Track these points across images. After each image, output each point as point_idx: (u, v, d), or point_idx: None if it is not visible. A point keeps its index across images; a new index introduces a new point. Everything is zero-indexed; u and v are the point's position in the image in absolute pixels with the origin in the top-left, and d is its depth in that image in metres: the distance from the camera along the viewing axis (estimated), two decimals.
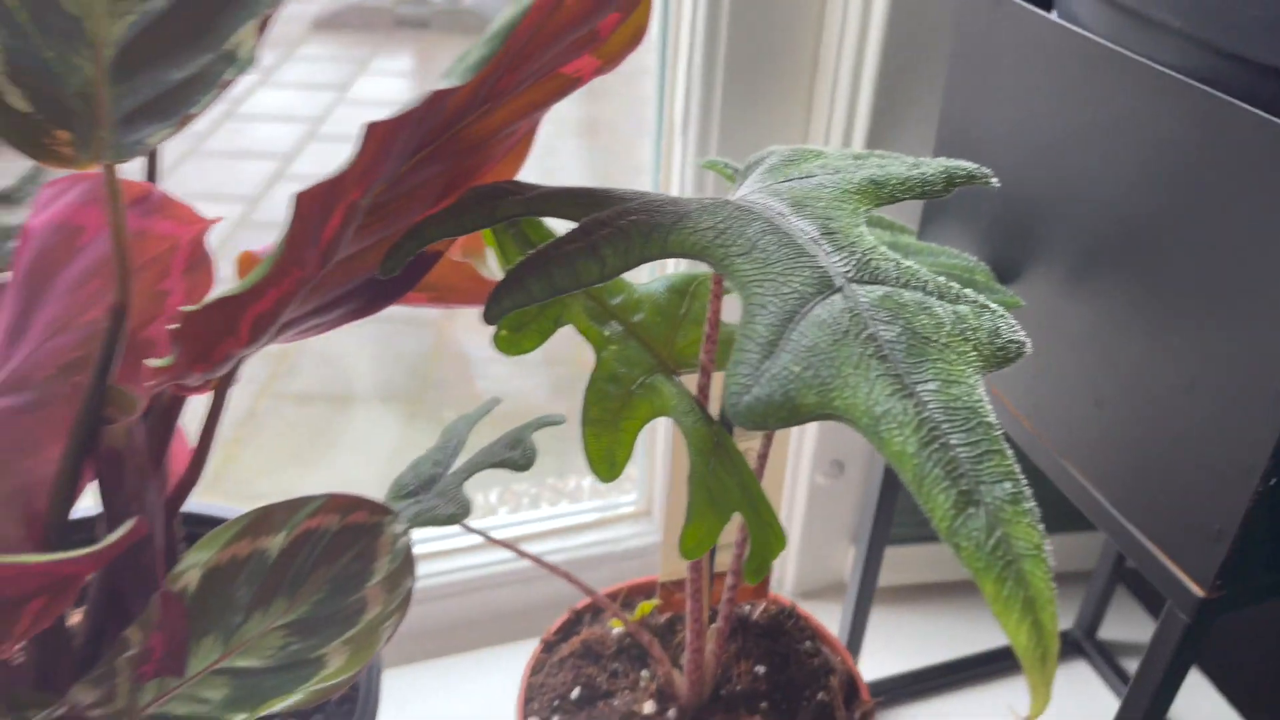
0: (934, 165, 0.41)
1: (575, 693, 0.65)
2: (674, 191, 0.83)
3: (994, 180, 0.40)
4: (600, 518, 0.97)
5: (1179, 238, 0.47)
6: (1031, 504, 0.29)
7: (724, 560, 0.67)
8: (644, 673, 0.67)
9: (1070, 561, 1.01)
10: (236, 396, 0.49)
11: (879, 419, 0.30)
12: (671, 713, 0.64)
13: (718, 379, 0.53)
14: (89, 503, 0.45)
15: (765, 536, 0.48)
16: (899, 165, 0.41)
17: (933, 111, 0.74)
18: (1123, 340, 0.51)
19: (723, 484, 0.47)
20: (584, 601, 0.72)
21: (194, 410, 0.47)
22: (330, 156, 1.91)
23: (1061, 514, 0.92)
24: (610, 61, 0.44)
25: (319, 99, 2.10)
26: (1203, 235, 0.46)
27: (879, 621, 0.96)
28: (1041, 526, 0.28)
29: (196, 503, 0.60)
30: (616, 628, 0.69)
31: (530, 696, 0.65)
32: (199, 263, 0.44)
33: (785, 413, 0.31)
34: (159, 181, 0.44)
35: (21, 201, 0.45)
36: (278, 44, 1.87)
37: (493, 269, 0.53)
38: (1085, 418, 0.54)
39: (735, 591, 0.62)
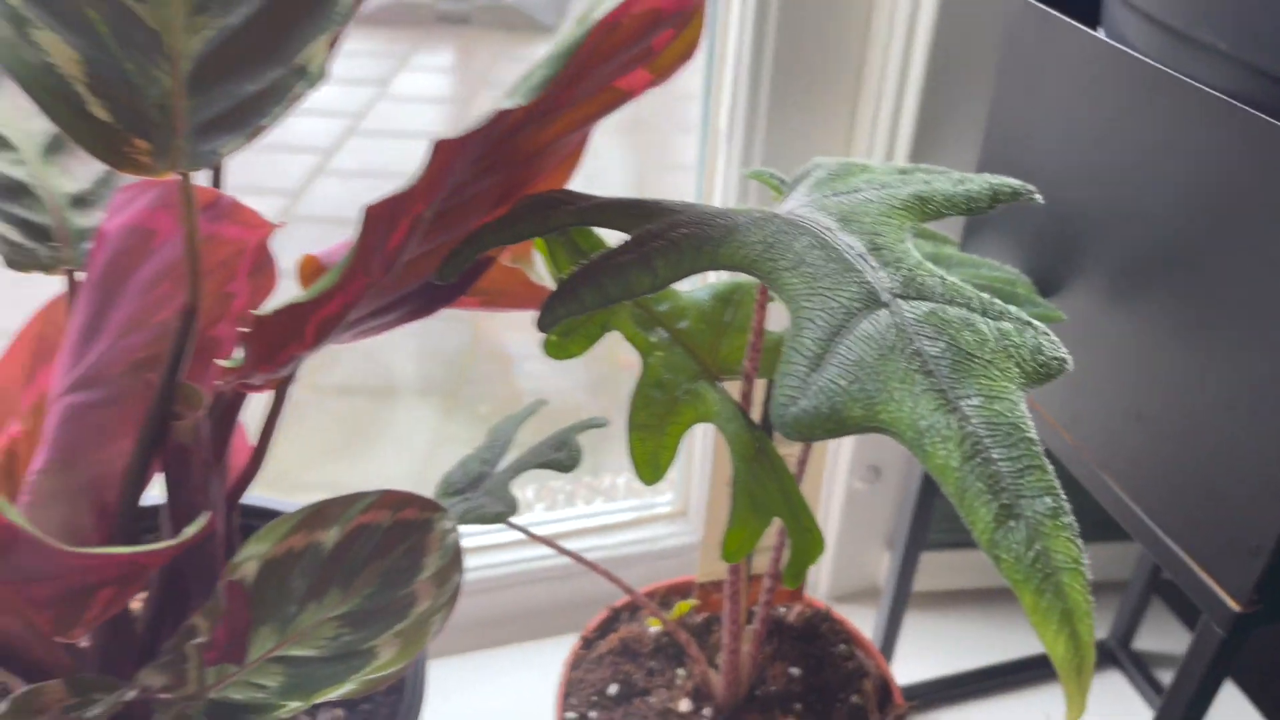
0: (979, 182, 0.41)
1: (613, 689, 0.67)
2: (717, 197, 0.84)
3: (1038, 197, 0.41)
4: (636, 517, 0.98)
5: (1223, 256, 0.47)
6: (1071, 518, 0.29)
7: (761, 563, 0.68)
8: (680, 671, 0.68)
9: (1105, 571, 1.01)
10: None
11: (923, 433, 0.31)
12: (707, 711, 0.65)
13: (760, 386, 0.54)
14: (151, 493, 0.47)
15: (804, 542, 0.49)
16: (944, 181, 0.42)
17: (976, 124, 0.74)
18: (1164, 355, 0.52)
19: (764, 489, 0.48)
20: (622, 600, 0.73)
21: (253, 407, 0.49)
22: (370, 151, 1.93)
23: (1096, 523, 0.92)
24: (662, 75, 0.45)
25: (360, 94, 2.13)
26: (1247, 255, 0.46)
27: (913, 626, 0.96)
28: (1080, 540, 0.29)
29: (249, 495, 0.62)
30: (654, 626, 0.71)
31: (569, 691, 0.67)
32: (263, 266, 0.45)
33: (831, 425, 0.32)
34: (224, 187, 0.46)
35: (95, 205, 0.47)
36: None
37: (541, 274, 0.54)
38: (1125, 431, 0.55)
39: (772, 594, 0.63)
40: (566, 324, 0.51)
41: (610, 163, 1.87)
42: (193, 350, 0.42)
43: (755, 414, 0.55)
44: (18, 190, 0.46)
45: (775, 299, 0.37)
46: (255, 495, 0.66)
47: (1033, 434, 0.30)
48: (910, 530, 0.77)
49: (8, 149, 0.46)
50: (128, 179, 0.47)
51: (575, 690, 0.67)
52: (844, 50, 0.75)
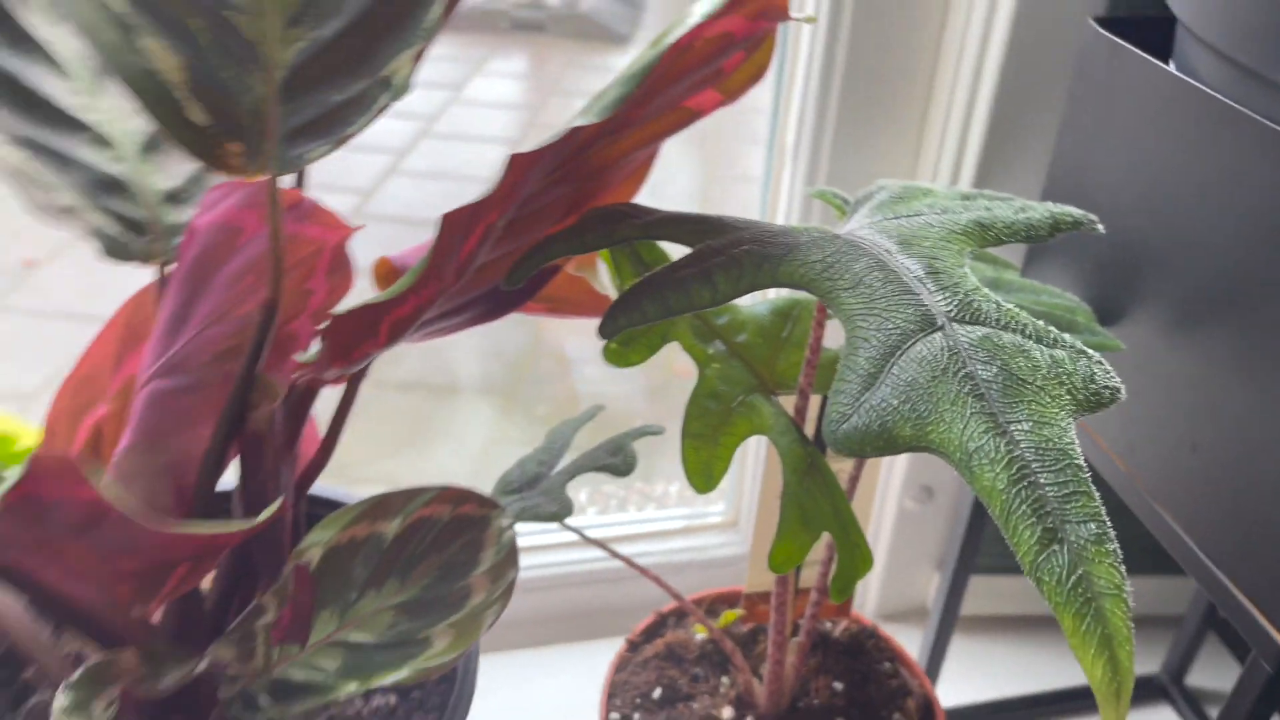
0: (1040, 211, 0.42)
1: (657, 693, 0.68)
2: (781, 212, 0.85)
3: (1100, 227, 0.41)
4: (687, 525, 0.99)
5: None
6: (1114, 545, 0.30)
7: (809, 576, 0.69)
8: (724, 679, 0.69)
9: (1161, 605, 1.00)
10: None
11: (971, 454, 0.31)
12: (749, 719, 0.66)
13: (815, 402, 0.55)
14: (225, 478, 0.49)
15: (853, 557, 0.50)
16: (1006, 209, 0.42)
17: (1043, 150, 0.75)
18: (1223, 388, 0.51)
19: (815, 503, 0.49)
20: (670, 605, 0.74)
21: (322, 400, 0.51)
22: (442, 154, 1.97)
23: (1154, 556, 0.91)
24: (731, 96, 0.46)
25: (434, 97, 2.17)
26: None
27: (960, 649, 0.96)
28: (1123, 568, 0.30)
29: (315, 485, 0.64)
30: (700, 634, 0.72)
31: (614, 693, 0.68)
32: (340, 265, 0.47)
33: (881, 442, 0.33)
34: (307, 189, 0.48)
35: (187, 201, 0.50)
36: None
37: (604, 283, 0.56)
38: (1180, 462, 0.55)
39: (818, 608, 0.64)
40: (627, 333, 0.53)
41: (676, 173, 1.88)
42: (272, 343, 0.44)
43: (809, 429, 0.55)
44: (116, 186, 0.48)
45: (833, 316, 0.38)
46: (320, 485, 0.68)
47: (1080, 460, 0.31)
48: (960, 552, 0.77)
49: (108, 147, 0.49)
50: (218, 178, 0.50)
51: (620, 692, 0.68)
52: (913, 73, 0.76)
